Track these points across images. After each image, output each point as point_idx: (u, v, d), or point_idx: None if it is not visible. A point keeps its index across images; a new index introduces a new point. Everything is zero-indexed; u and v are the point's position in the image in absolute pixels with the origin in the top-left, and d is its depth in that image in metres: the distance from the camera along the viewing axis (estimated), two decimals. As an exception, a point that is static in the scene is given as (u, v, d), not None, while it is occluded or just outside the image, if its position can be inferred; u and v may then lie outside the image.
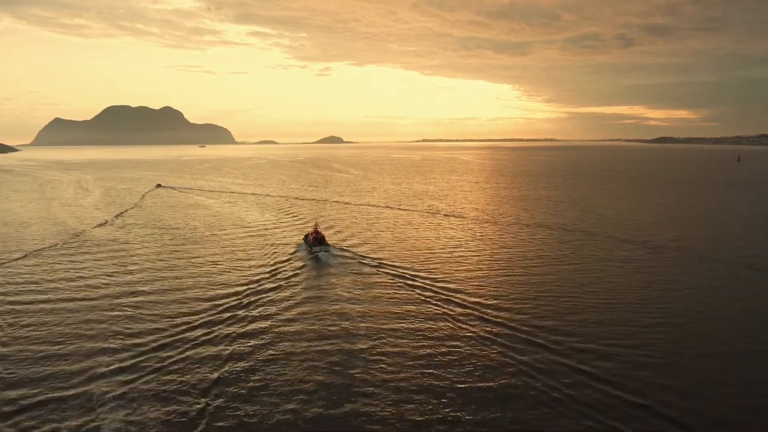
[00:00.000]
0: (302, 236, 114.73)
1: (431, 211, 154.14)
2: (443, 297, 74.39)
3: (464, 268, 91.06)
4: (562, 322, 64.65)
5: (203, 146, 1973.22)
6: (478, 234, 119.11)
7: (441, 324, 64.07)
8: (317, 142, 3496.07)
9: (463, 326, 62.18)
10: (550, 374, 51.11)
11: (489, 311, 68.20)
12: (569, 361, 53.74)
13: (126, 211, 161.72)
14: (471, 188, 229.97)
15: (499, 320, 64.66)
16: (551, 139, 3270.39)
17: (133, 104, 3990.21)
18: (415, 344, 57.29)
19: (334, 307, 69.02)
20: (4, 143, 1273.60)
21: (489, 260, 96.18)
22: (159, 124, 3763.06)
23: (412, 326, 62.27)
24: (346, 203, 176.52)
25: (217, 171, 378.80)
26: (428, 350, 55.74)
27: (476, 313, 67.19)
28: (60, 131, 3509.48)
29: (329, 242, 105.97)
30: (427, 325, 62.51)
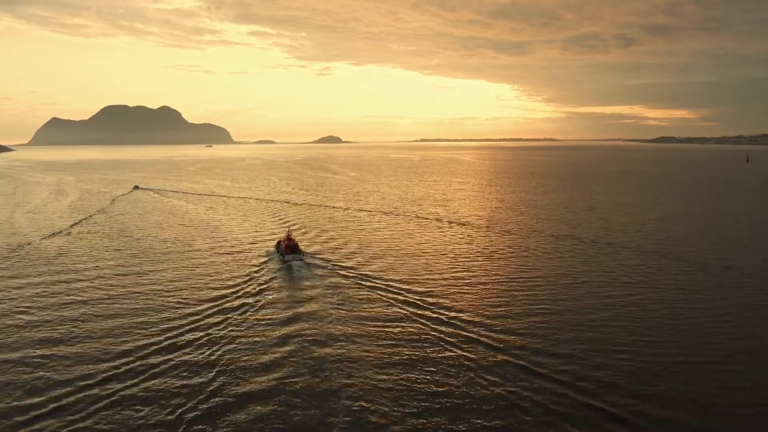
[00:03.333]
0: (275, 243, 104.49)
1: (430, 218, 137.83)
2: (436, 317, 62.62)
3: (465, 285, 77.31)
4: (581, 353, 52.16)
5: (210, 146, 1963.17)
6: (484, 245, 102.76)
7: (433, 349, 53.57)
8: (315, 141, 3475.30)
9: (460, 353, 53.09)
10: (560, 415, 41.56)
11: (490, 334, 57.25)
12: (591, 400, 43.47)
13: (88, 218, 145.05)
14: (474, 192, 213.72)
15: (502, 347, 54.29)
16: (551, 139, 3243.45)
17: (132, 104, 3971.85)
18: (400, 376, 48.40)
19: (304, 329, 59.93)
20: (1, 143, 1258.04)
21: (495, 276, 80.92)
22: (157, 123, 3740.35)
23: (396, 352, 53.44)
24: (337, 208, 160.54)
25: (207, 172, 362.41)
26: (416, 384, 46.77)
27: (475, 336, 56.81)
28: (57, 131, 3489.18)
29: (306, 250, 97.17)
30: (415, 351, 53.52)
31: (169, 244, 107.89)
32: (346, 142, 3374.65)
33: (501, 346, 54.68)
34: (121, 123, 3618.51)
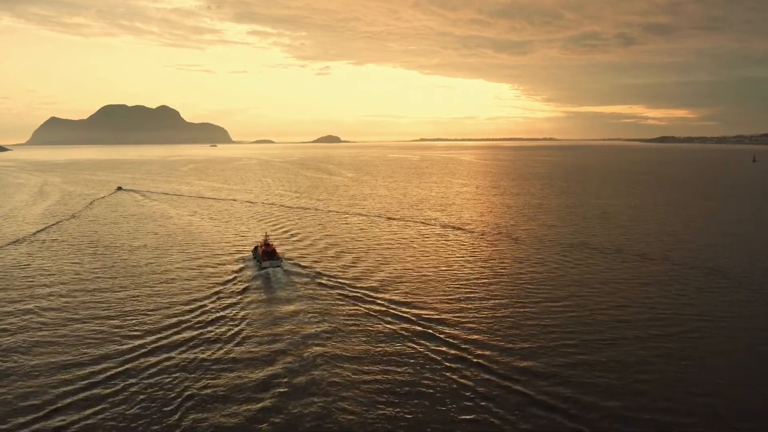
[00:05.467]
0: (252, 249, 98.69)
1: (429, 223, 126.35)
2: (434, 336, 55.82)
3: (468, 300, 68.72)
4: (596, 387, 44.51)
5: (215, 145, 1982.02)
6: (491, 255, 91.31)
7: (430, 375, 46.98)
8: (314, 141, 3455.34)
9: (461, 380, 46.19)
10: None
11: (496, 357, 50.69)
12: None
13: (57, 223, 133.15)
14: (477, 195, 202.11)
15: (510, 375, 47.38)
16: (550, 139, 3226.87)
17: (131, 103, 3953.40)
18: (390, 405, 42.66)
19: (276, 349, 53.10)
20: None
21: (503, 291, 71.33)
22: (155, 123, 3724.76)
23: (385, 377, 46.80)
24: (330, 211, 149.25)
25: (199, 173, 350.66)
26: (411, 416, 41.34)
27: (481, 362, 49.62)
28: (56, 130, 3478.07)
29: (289, 256, 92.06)
30: (408, 376, 46.87)
31: (140, 254, 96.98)
32: (345, 141, 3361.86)
33: (509, 373, 47.36)
34: (120, 122, 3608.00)
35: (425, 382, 45.99)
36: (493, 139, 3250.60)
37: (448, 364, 48.99)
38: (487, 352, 51.72)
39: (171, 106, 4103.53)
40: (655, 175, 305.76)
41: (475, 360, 50.00)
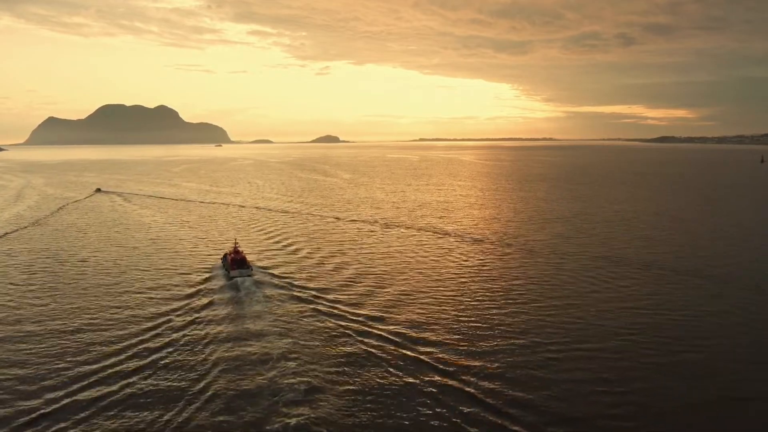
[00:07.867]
0: (221, 257, 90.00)
1: (429, 231, 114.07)
2: (419, 359, 48.40)
3: (473, 323, 58.69)
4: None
5: (220, 145, 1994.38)
6: (500, 269, 78.60)
7: (425, 410, 40.46)
8: (313, 141, 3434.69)
9: (447, 412, 39.91)
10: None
11: (501, 390, 42.97)
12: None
13: (17, 231, 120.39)
14: (480, 198, 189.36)
15: (498, 406, 40.71)
16: (550, 139, 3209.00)
17: (130, 103, 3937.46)
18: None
19: (238, 373, 46.82)
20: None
21: (514, 312, 59.46)
22: (154, 123, 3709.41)
23: (370, 409, 40.65)
24: (321, 216, 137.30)
25: (190, 174, 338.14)
26: None
27: (481, 396, 42.13)
28: (54, 130, 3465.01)
29: (266, 266, 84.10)
30: (396, 409, 40.63)
31: (100, 268, 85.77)
32: (344, 141, 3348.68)
33: (518, 412, 40.16)
34: (118, 122, 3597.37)
35: (413, 413, 39.51)
36: (492, 139, 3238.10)
37: (443, 397, 41.39)
38: (490, 384, 43.60)
39: (170, 106, 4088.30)
40: (661, 176, 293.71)
41: (477, 393, 42.07)
